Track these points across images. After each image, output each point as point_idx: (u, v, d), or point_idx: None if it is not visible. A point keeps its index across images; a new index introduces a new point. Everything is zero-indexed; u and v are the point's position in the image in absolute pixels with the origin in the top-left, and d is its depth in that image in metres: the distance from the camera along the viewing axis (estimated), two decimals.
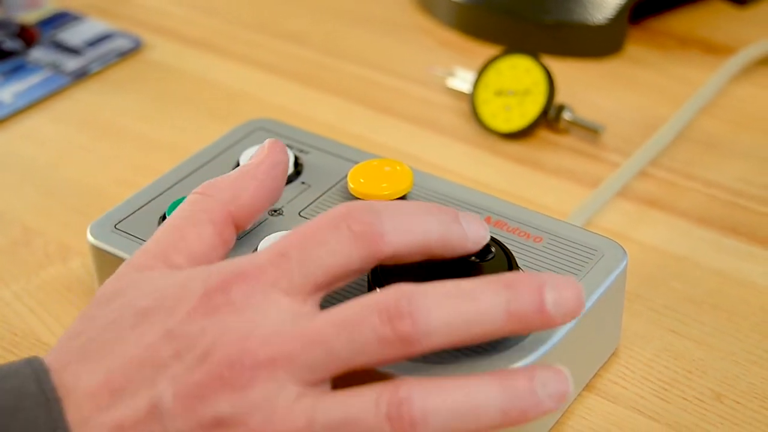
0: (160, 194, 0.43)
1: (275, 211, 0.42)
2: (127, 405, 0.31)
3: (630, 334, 0.42)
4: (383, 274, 0.36)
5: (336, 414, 0.30)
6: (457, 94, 0.57)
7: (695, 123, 0.55)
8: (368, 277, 0.37)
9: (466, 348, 0.35)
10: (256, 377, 0.30)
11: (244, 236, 0.41)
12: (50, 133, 0.56)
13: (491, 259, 0.36)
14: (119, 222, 0.42)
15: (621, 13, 0.60)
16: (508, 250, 0.37)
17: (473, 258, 0.36)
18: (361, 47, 0.62)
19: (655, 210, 0.49)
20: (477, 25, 0.62)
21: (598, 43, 0.60)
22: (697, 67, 0.59)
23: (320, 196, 0.43)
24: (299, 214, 0.42)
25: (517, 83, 0.55)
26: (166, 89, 0.59)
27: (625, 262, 0.39)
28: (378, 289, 0.36)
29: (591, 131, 0.54)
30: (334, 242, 0.32)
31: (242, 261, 0.33)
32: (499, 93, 0.55)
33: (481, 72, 0.55)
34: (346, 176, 0.43)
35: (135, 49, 0.63)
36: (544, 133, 0.54)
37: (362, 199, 0.41)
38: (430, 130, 0.55)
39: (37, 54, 0.62)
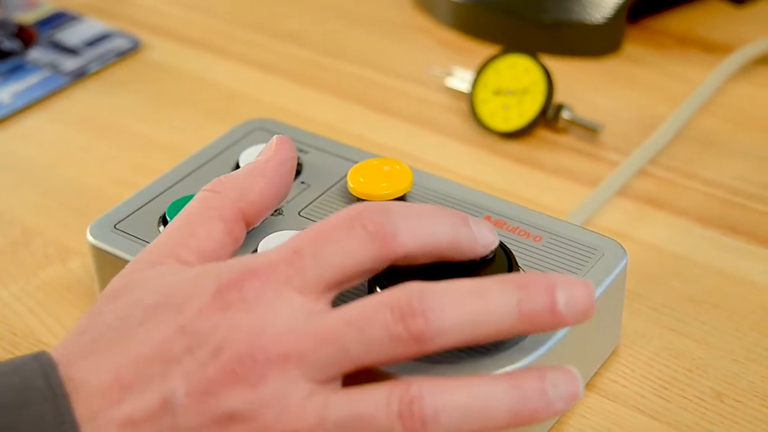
0: (160, 194, 0.43)
1: (275, 210, 0.42)
2: (138, 400, 0.31)
3: (630, 332, 0.42)
4: (384, 273, 0.36)
5: (347, 411, 0.31)
6: (455, 93, 0.58)
7: (694, 122, 0.55)
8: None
9: (468, 347, 0.35)
10: (268, 374, 0.31)
11: None
12: (49, 134, 0.56)
13: (491, 258, 0.36)
14: (119, 222, 0.42)
15: (619, 12, 0.60)
16: (509, 249, 0.37)
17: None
18: (360, 47, 0.62)
19: (655, 209, 0.49)
20: (475, 24, 0.62)
21: (597, 42, 0.60)
22: (696, 66, 0.59)
23: (320, 195, 0.43)
24: (299, 213, 0.42)
25: (516, 83, 0.55)
26: (165, 89, 0.59)
27: (625, 261, 0.39)
28: (378, 289, 0.36)
29: (590, 130, 0.54)
30: (347, 241, 0.32)
31: (255, 258, 0.33)
32: (498, 92, 0.55)
33: (480, 71, 0.55)
34: (346, 176, 0.43)
35: (133, 49, 0.62)
36: (542, 133, 0.54)
37: (362, 199, 0.41)
38: (429, 129, 0.55)
39: (36, 54, 0.62)
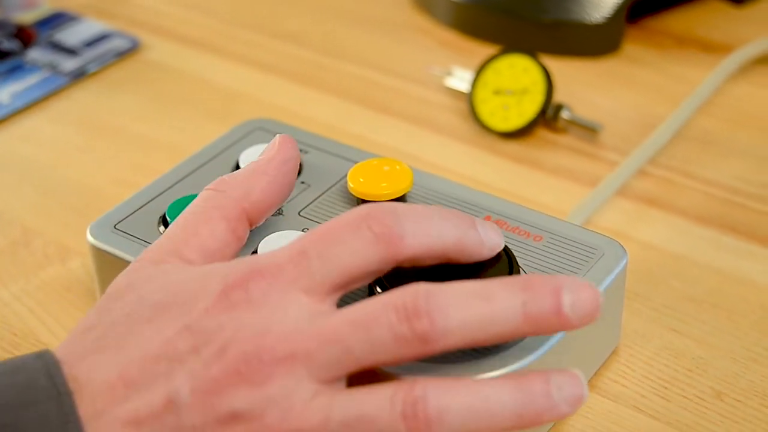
0: (160, 194, 0.43)
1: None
2: (143, 399, 0.31)
3: (630, 332, 0.42)
4: (386, 274, 0.36)
5: (352, 411, 0.31)
6: (455, 93, 0.58)
7: (693, 122, 0.55)
8: None
9: (472, 348, 0.35)
10: (273, 373, 0.31)
11: None
12: (48, 134, 0.56)
13: (492, 258, 0.36)
14: (119, 222, 0.42)
15: (618, 12, 0.60)
16: (509, 249, 0.37)
17: None
18: (360, 47, 0.62)
19: (654, 209, 0.49)
20: (475, 24, 0.62)
21: (596, 42, 0.61)
22: (695, 66, 0.59)
23: (320, 195, 0.43)
24: (299, 213, 0.42)
25: (516, 82, 0.55)
26: (164, 89, 0.59)
27: (625, 261, 0.39)
28: (378, 288, 0.36)
29: (589, 130, 0.54)
30: (353, 243, 0.32)
31: (261, 258, 0.33)
32: (498, 92, 0.55)
33: (480, 71, 0.55)
34: (346, 176, 0.43)
35: (132, 49, 0.62)
36: (542, 132, 0.54)
37: (362, 199, 0.42)
38: (428, 129, 0.55)
39: (35, 54, 0.62)
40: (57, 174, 0.53)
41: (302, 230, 0.41)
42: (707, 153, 0.53)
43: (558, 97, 0.56)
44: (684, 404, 0.39)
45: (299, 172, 0.44)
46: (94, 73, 0.61)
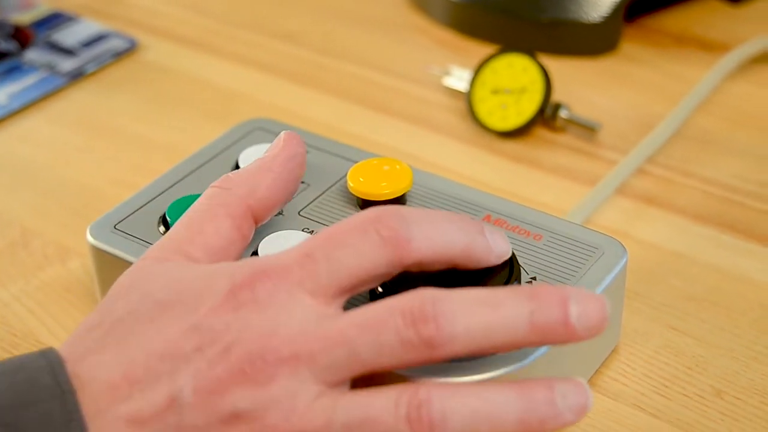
0: (160, 194, 0.43)
1: None
2: (146, 397, 0.31)
3: (630, 331, 0.42)
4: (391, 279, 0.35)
5: (355, 414, 0.31)
6: (453, 93, 0.58)
7: (691, 121, 0.55)
8: None
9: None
10: (277, 374, 0.31)
11: None
12: (47, 134, 0.56)
13: None
14: (119, 222, 0.42)
15: (616, 11, 0.60)
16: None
17: None
18: (358, 47, 0.62)
19: (653, 207, 0.49)
20: (472, 23, 0.62)
21: (594, 41, 0.61)
22: (693, 65, 0.59)
23: (320, 195, 0.43)
24: (299, 213, 0.42)
25: (514, 81, 0.55)
26: (163, 89, 0.59)
27: (625, 260, 0.39)
28: (380, 289, 0.36)
29: (588, 129, 0.54)
30: (361, 245, 0.32)
31: (268, 259, 0.33)
32: (496, 91, 0.55)
33: (478, 70, 0.56)
34: (346, 175, 0.43)
35: (130, 49, 0.62)
36: (540, 132, 0.55)
37: (362, 198, 0.42)
38: (427, 128, 0.55)
39: (32, 55, 0.62)
40: (55, 174, 0.53)
41: (302, 230, 0.41)
42: (706, 152, 0.53)
43: (556, 96, 0.56)
44: (684, 402, 0.39)
45: None
46: (92, 74, 0.61)
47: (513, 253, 0.37)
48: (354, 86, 0.59)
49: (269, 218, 0.38)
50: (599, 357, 0.41)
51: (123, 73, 0.61)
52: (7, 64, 0.61)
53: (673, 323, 0.43)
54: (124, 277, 0.34)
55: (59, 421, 0.30)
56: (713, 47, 0.61)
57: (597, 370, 0.41)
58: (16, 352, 0.42)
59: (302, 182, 0.43)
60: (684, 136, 0.54)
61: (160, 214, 0.42)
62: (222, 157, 0.46)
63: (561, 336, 0.32)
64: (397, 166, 0.42)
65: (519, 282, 0.37)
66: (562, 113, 0.54)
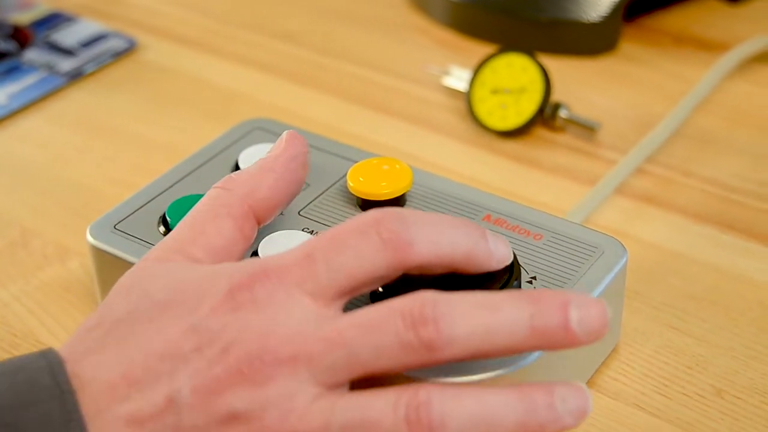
0: (159, 194, 0.43)
1: None
2: (145, 398, 0.31)
3: (630, 330, 0.42)
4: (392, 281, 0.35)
5: (354, 415, 0.30)
6: (453, 92, 0.58)
7: (691, 120, 0.55)
8: None
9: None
10: (275, 374, 0.31)
11: None
12: (46, 134, 0.56)
13: None
14: (119, 222, 0.42)
15: (615, 11, 0.60)
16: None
17: None
18: (357, 47, 0.62)
19: (653, 207, 0.49)
20: (472, 23, 0.62)
21: (593, 40, 0.61)
22: (692, 65, 0.59)
23: (320, 195, 0.43)
24: (299, 213, 0.42)
25: (513, 81, 0.55)
26: (162, 89, 0.59)
27: (625, 259, 0.39)
28: (380, 289, 0.36)
29: (587, 129, 0.54)
30: (361, 247, 0.32)
31: (268, 260, 0.33)
32: (496, 91, 0.55)
33: (478, 70, 0.56)
34: (345, 175, 0.43)
35: (129, 49, 0.62)
36: (540, 131, 0.55)
37: (363, 198, 0.42)
38: (426, 128, 0.55)
39: (32, 55, 0.62)
40: (55, 174, 0.53)
41: (302, 230, 0.41)
42: (705, 151, 0.53)
43: (556, 96, 0.56)
44: (684, 402, 0.39)
45: None
46: (92, 74, 0.61)
47: (513, 253, 0.37)
48: (354, 86, 0.59)
49: (272, 218, 0.38)
50: (599, 356, 0.41)
51: (122, 73, 0.61)
52: (6, 64, 0.61)
53: (672, 323, 0.43)
54: (126, 278, 0.34)
55: (59, 422, 0.30)
56: (712, 47, 0.61)
57: (597, 370, 0.41)
58: (16, 352, 0.42)
59: None
60: (683, 136, 0.54)
61: (160, 214, 0.42)
62: (222, 157, 0.46)
63: (561, 340, 0.32)
64: (397, 166, 0.42)
65: (519, 281, 0.37)
66: (562, 113, 0.54)
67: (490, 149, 0.54)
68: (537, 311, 0.32)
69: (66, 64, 0.61)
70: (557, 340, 0.32)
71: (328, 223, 0.41)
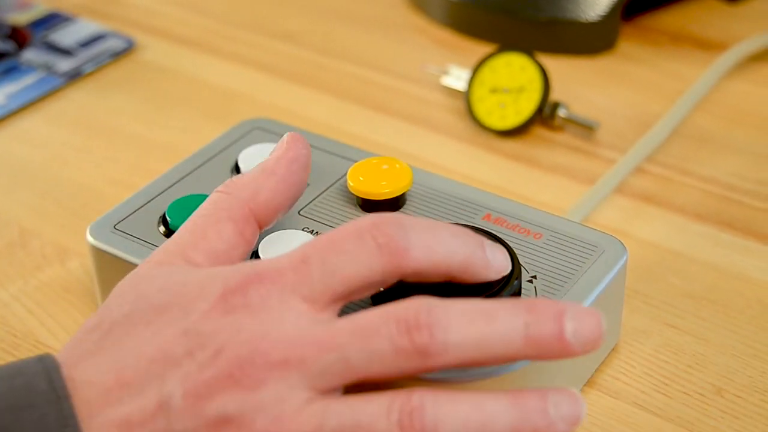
0: (159, 194, 0.43)
1: None
2: (136, 402, 0.30)
3: (630, 329, 0.42)
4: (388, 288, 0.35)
5: (346, 419, 0.30)
6: (452, 92, 0.58)
7: (689, 119, 0.55)
8: None
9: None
10: (266, 378, 0.30)
11: None
12: (45, 135, 0.56)
13: None
14: (118, 222, 0.42)
15: (614, 10, 0.60)
16: (510, 247, 0.37)
17: None
18: (356, 47, 0.62)
19: (652, 206, 0.49)
20: (470, 23, 0.62)
21: (592, 40, 0.61)
22: (690, 64, 0.59)
23: (320, 194, 0.43)
24: (299, 212, 0.42)
25: (512, 81, 0.55)
26: (161, 89, 0.59)
27: (625, 258, 0.39)
28: (376, 299, 0.35)
29: (586, 128, 0.54)
30: (356, 252, 0.32)
31: (263, 263, 0.33)
32: (494, 90, 0.55)
33: (476, 70, 0.56)
34: (345, 174, 0.43)
35: (128, 49, 0.62)
36: (539, 131, 0.55)
37: (363, 198, 0.42)
38: (426, 128, 0.55)
39: (30, 55, 0.62)
40: (54, 175, 0.53)
41: (302, 229, 0.41)
42: (704, 150, 0.53)
43: (554, 95, 0.56)
44: (685, 400, 0.39)
45: None
46: (90, 74, 0.60)
47: (514, 252, 0.37)
48: (353, 86, 0.59)
49: (275, 221, 0.38)
50: (600, 356, 0.41)
51: (121, 73, 0.61)
52: (4, 64, 0.61)
53: (672, 321, 0.43)
54: (125, 281, 0.34)
55: (54, 426, 0.30)
56: (710, 46, 0.61)
57: (597, 369, 0.41)
58: (17, 353, 0.42)
59: None
60: (682, 135, 0.54)
61: (160, 214, 0.42)
62: (221, 157, 0.46)
63: (556, 350, 0.32)
64: (397, 165, 0.42)
65: (520, 281, 0.37)
66: (561, 112, 0.54)
67: (489, 148, 0.54)
68: (532, 321, 0.31)
69: (64, 65, 0.61)
70: (552, 350, 0.32)
71: (329, 223, 0.41)
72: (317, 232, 0.41)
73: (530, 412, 0.31)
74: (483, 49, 0.61)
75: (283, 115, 0.55)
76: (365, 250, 0.32)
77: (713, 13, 0.64)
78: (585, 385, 0.40)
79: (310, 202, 0.42)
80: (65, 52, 0.62)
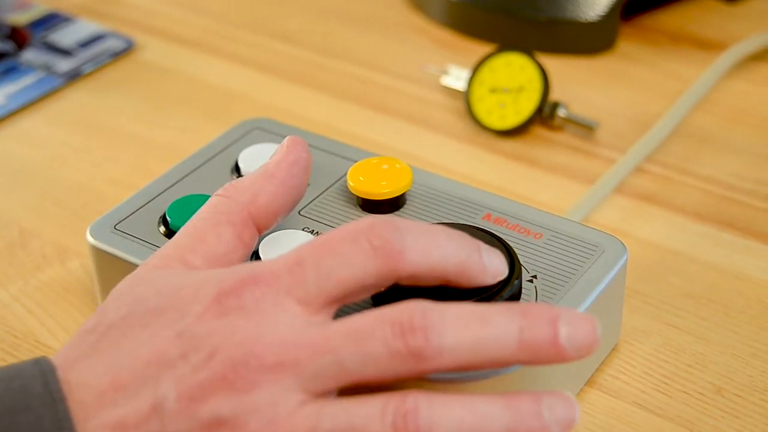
0: (160, 194, 0.43)
1: None
2: (130, 404, 0.30)
3: (630, 329, 0.42)
4: (385, 291, 0.35)
5: (340, 421, 0.30)
6: (451, 92, 0.58)
7: (689, 119, 0.55)
8: None
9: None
10: (260, 381, 0.30)
11: None
12: (44, 135, 0.56)
13: None
14: (119, 223, 0.42)
15: (613, 10, 0.60)
16: (510, 246, 0.37)
17: None
18: (356, 46, 0.62)
19: (652, 206, 0.49)
20: (470, 23, 0.62)
21: (591, 40, 0.61)
22: (690, 64, 0.59)
23: (320, 194, 0.43)
24: (299, 212, 0.42)
25: (512, 80, 0.55)
26: (161, 89, 0.59)
27: (625, 258, 0.39)
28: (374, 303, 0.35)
29: (586, 128, 0.54)
30: (351, 255, 0.32)
31: (258, 266, 0.33)
32: (494, 90, 0.55)
33: (476, 69, 0.56)
34: (345, 175, 0.43)
35: (127, 49, 0.62)
36: (539, 131, 0.55)
37: (363, 197, 0.42)
38: (425, 128, 0.55)
39: (29, 55, 0.62)
40: (53, 175, 0.53)
41: (302, 229, 0.41)
42: (703, 150, 0.53)
43: (554, 95, 0.56)
44: (685, 400, 0.39)
45: None
46: (89, 74, 0.60)
47: (514, 252, 0.37)
48: (353, 86, 0.59)
49: (275, 224, 0.37)
50: (600, 355, 0.41)
51: (120, 73, 0.61)
52: (4, 64, 0.61)
53: (672, 321, 0.43)
54: (123, 283, 0.34)
55: (49, 429, 0.30)
56: (710, 45, 0.61)
57: (597, 368, 0.41)
58: (17, 353, 0.42)
59: None
60: (682, 135, 0.54)
61: (160, 214, 0.42)
62: (221, 157, 0.46)
63: (550, 355, 0.32)
64: (397, 165, 0.42)
65: (520, 280, 0.37)
66: (560, 112, 0.54)
67: (489, 148, 0.54)
68: (527, 325, 0.31)
69: (64, 65, 0.61)
70: (546, 355, 0.32)
71: (329, 223, 0.41)
72: (317, 233, 0.41)
73: (524, 414, 0.31)
74: (482, 49, 0.61)
75: (282, 115, 0.55)
76: (360, 252, 0.32)
77: (712, 13, 0.64)
78: (585, 384, 0.40)
79: (311, 202, 0.42)
80: (65, 52, 0.62)
